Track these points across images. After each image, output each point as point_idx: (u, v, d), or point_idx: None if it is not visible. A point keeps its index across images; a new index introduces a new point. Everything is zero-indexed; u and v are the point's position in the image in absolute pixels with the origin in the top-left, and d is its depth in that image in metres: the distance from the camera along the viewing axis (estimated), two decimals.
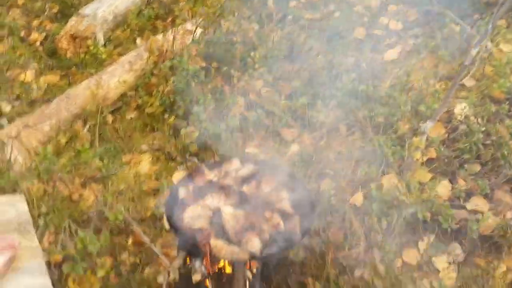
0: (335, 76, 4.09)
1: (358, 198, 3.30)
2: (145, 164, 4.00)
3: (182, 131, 4.00)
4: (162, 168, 3.98)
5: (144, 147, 4.17)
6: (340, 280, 2.90)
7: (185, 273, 2.76)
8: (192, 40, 4.80)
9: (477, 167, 3.38)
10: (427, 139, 3.41)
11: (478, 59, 3.69)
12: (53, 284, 2.73)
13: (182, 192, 2.96)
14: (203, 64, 4.43)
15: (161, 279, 2.96)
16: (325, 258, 3.10)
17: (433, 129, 3.52)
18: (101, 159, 3.67)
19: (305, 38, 4.69)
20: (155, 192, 3.77)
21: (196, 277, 2.56)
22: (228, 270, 2.71)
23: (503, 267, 3.06)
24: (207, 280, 2.82)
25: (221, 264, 2.73)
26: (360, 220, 3.19)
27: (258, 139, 4.04)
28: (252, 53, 4.40)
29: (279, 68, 4.43)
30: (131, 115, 4.47)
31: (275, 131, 4.09)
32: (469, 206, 3.24)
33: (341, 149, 3.60)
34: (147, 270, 3.15)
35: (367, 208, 3.25)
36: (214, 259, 2.62)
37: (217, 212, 2.82)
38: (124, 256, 3.18)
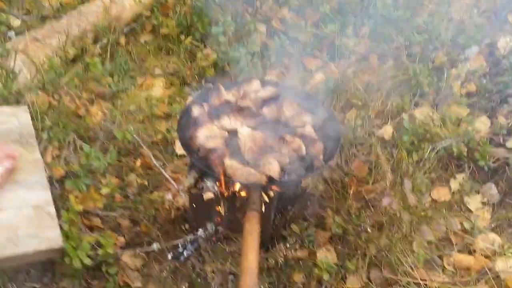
0: (368, 2, 3.73)
1: (387, 131, 3.03)
2: (158, 88, 3.75)
3: (199, 55, 3.71)
4: (176, 93, 3.73)
5: (157, 70, 3.91)
6: (362, 214, 2.67)
7: (195, 198, 2.56)
8: None
9: None
10: (466, 72, 3.10)
11: None
12: (54, 200, 2.55)
13: (196, 111, 2.71)
14: None
15: (169, 196, 2.75)
16: (347, 192, 2.87)
17: (474, 61, 3.21)
18: (111, 75, 3.41)
19: None
20: (167, 116, 3.54)
21: (207, 195, 2.33)
22: (243, 193, 2.49)
23: None
24: (219, 205, 2.62)
25: (236, 187, 2.51)
26: (388, 154, 2.93)
27: (279, 68, 3.75)
28: None
29: None
30: (145, 38, 4.18)
31: (298, 60, 3.79)
32: (509, 144, 2.95)
33: (371, 78, 3.29)
34: (155, 194, 2.95)
35: (396, 142, 2.98)
36: (228, 181, 2.39)
37: (233, 133, 2.58)
38: (132, 177, 2.98)
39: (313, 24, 3.93)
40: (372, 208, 2.76)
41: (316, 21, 3.97)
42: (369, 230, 2.59)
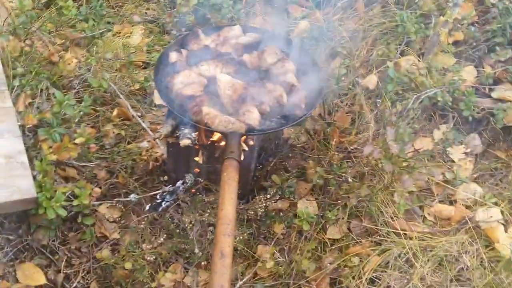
0: None
1: (371, 80, 2.94)
2: (137, 36, 3.60)
3: (178, 0, 3.55)
4: (155, 41, 3.59)
5: (136, 18, 3.74)
6: (344, 165, 2.62)
7: (173, 147, 2.48)
8: None
9: (508, 53, 2.99)
10: (454, 20, 3.00)
11: None
12: (26, 150, 2.46)
13: (173, 57, 2.60)
14: None
15: (145, 144, 2.68)
16: (329, 142, 2.81)
17: (462, 9, 3.10)
18: (86, 20, 3.25)
19: None
20: (146, 65, 3.42)
21: (184, 142, 2.26)
22: (222, 142, 2.42)
23: None
24: (197, 155, 2.55)
25: (214, 136, 2.44)
26: (372, 104, 2.86)
27: (263, 15, 3.61)
28: None
29: None
30: None
31: (283, 7, 3.65)
32: (495, 94, 2.90)
33: (357, 26, 3.18)
34: (132, 145, 2.87)
35: (381, 91, 2.91)
36: (207, 130, 2.32)
37: (212, 80, 2.48)
38: (108, 127, 2.89)
39: None
40: (354, 159, 2.71)
41: None
42: (350, 180, 2.56)
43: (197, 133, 2.34)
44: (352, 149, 2.75)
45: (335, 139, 2.81)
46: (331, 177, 2.66)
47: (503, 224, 2.54)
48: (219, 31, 2.78)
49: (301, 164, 2.85)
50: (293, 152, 2.90)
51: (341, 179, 2.64)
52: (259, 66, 2.64)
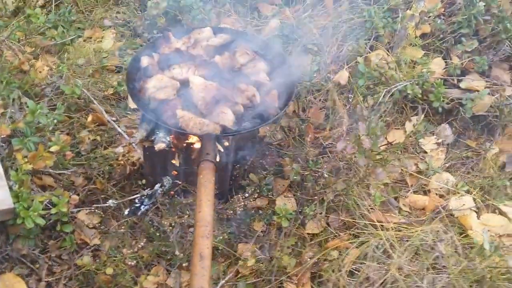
0: None
1: (343, 75, 3.00)
2: (108, 40, 3.59)
3: (149, 3, 3.55)
4: (127, 45, 3.57)
5: (107, 22, 3.73)
6: (319, 160, 2.67)
7: (150, 151, 2.49)
8: None
9: (474, 43, 3.07)
10: (421, 13, 3.06)
11: None
12: (1, 160, 2.45)
13: (145, 61, 2.60)
14: None
15: (120, 149, 2.68)
16: (304, 139, 2.86)
17: (428, 2, 3.17)
18: (55, 27, 3.22)
19: None
20: (119, 69, 3.41)
21: (159, 146, 2.27)
22: (198, 145, 2.43)
23: (495, 149, 2.86)
24: (174, 158, 2.56)
25: (190, 138, 2.46)
26: (344, 99, 2.91)
27: (234, 15, 3.63)
28: None
29: None
30: None
31: (253, 6, 3.68)
32: (463, 84, 2.98)
33: (326, 22, 3.22)
34: (109, 150, 2.87)
35: (352, 86, 2.96)
36: (182, 133, 2.33)
37: (185, 83, 2.50)
38: (83, 134, 2.88)
39: None
40: (329, 154, 2.76)
41: None
42: (326, 175, 2.60)
43: (172, 136, 2.36)
44: (327, 145, 2.80)
45: (310, 135, 2.85)
46: (307, 173, 2.70)
47: (475, 211, 2.62)
48: (189, 34, 2.80)
49: (278, 161, 2.89)
50: (270, 149, 2.94)
51: (317, 175, 2.68)
52: (231, 66, 2.66)
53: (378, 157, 2.46)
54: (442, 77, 2.98)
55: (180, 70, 2.57)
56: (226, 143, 2.45)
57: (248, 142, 2.89)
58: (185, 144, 2.47)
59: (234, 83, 2.52)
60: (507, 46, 3.04)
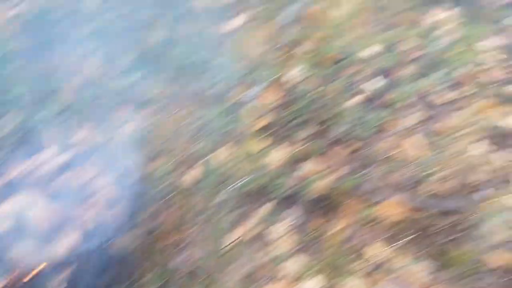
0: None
1: (192, 175, 3.13)
2: None
3: None
4: None
5: None
6: (170, 266, 2.71)
7: None
8: None
9: (310, 130, 3.36)
10: (260, 107, 3.32)
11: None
12: None
13: None
14: None
15: None
16: (154, 247, 2.90)
17: (267, 95, 3.45)
18: None
19: None
20: None
21: None
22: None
23: (341, 224, 3.07)
24: None
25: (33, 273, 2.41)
26: (193, 200, 3.02)
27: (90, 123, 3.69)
28: None
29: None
30: None
31: (111, 111, 3.76)
32: (304, 168, 3.21)
33: (174, 126, 3.39)
34: None
35: (203, 185, 3.09)
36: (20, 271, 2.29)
37: (26, 209, 2.49)
38: None
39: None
40: (180, 260, 2.80)
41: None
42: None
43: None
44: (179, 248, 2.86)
45: (160, 243, 2.88)
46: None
47: None
48: (33, 156, 2.81)
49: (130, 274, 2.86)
50: (121, 266, 2.90)
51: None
52: (77, 184, 2.69)
53: (226, 255, 2.55)
54: (284, 164, 3.20)
55: (20, 196, 2.56)
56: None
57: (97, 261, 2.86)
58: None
59: (80, 202, 2.54)
60: (336, 129, 3.35)
